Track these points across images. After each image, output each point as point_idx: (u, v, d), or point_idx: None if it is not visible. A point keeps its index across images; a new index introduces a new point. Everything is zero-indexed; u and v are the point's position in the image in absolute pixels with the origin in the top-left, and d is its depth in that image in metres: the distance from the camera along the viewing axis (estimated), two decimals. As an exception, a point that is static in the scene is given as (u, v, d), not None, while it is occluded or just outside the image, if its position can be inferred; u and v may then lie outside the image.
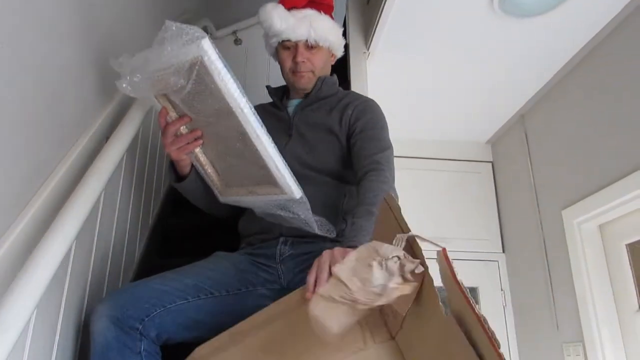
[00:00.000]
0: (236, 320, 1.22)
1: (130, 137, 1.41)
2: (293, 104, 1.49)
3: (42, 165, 1.19)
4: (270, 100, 1.55)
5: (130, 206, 1.66)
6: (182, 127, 1.19)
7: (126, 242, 1.62)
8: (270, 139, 1.06)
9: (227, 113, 1.03)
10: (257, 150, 1.06)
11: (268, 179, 1.12)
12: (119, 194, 1.54)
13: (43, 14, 1.16)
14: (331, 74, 1.54)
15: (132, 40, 1.78)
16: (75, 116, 1.35)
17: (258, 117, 1.04)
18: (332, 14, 1.51)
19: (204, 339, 1.15)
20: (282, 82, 1.56)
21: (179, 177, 1.35)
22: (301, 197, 1.10)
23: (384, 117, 1.42)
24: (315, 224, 1.13)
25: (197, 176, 1.34)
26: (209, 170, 1.29)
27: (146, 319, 1.06)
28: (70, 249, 1.08)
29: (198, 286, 1.17)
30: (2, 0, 0.97)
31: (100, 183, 1.18)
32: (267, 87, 1.56)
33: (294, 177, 1.10)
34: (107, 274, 1.46)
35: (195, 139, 1.19)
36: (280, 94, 1.54)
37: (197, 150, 1.24)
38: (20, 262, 0.98)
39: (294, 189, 1.10)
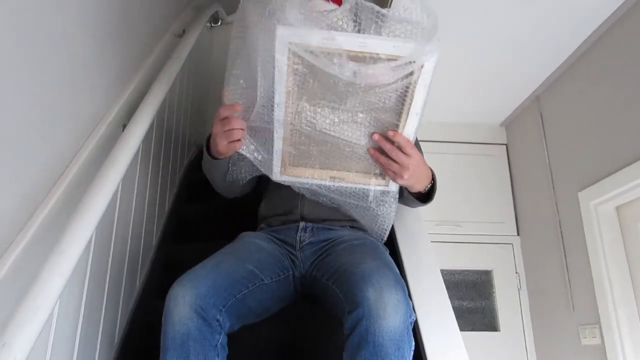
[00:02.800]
0: (278, 305, 1.23)
1: (147, 125, 1.42)
2: None
3: (61, 154, 1.21)
4: None
5: (147, 193, 1.68)
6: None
7: (144, 228, 1.65)
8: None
9: (386, 112, 0.99)
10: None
11: (371, 169, 1.11)
12: (136, 181, 1.56)
13: (61, 4, 1.17)
14: None
15: (146, 26, 1.79)
16: (93, 104, 1.37)
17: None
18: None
19: (247, 327, 1.16)
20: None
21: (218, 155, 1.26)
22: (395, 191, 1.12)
23: None
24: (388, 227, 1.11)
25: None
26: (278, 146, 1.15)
27: (223, 309, 1.02)
28: (90, 238, 1.10)
29: (254, 272, 1.14)
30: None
31: (119, 172, 1.19)
32: None
33: None
34: (127, 259, 1.49)
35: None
36: None
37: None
38: (42, 251, 1.01)
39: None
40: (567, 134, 2.58)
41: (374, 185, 1.13)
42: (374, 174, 1.12)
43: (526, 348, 2.79)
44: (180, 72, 1.89)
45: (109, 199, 1.10)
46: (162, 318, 1.00)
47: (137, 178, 1.57)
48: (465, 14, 2.23)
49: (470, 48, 2.50)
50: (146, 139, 1.57)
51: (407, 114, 0.97)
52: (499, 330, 2.85)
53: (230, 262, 1.13)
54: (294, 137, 1.09)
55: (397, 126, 1.02)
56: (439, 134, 3.25)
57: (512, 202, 3.12)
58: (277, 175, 1.17)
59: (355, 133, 1.05)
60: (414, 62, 0.88)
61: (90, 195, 1.06)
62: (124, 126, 1.48)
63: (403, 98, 0.96)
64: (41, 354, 0.99)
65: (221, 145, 1.14)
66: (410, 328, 0.94)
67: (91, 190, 1.08)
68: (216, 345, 1.00)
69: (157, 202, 1.81)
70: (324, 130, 1.06)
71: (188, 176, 2.24)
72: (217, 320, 1.01)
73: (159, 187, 1.82)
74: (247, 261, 1.15)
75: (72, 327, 1.14)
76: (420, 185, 1.19)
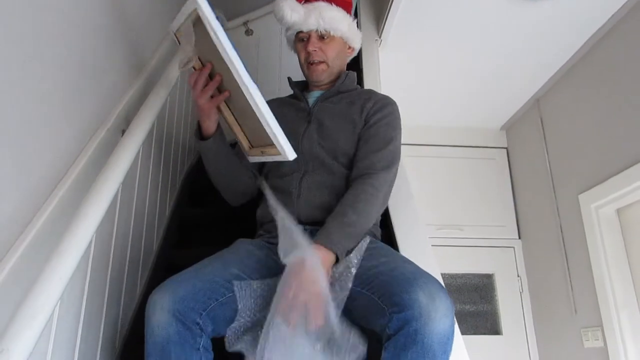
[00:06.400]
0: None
1: (147, 130, 1.42)
2: (314, 95, 1.52)
3: (61, 158, 1.21)
4: (290, 92, 1.59)
5: (147, 198, 1.68)
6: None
7: (144, 233, 1.65)
8: (260, 95, 1.13)
9: (227, 65, 1.11)
10: (251, 104, 1.13)
11: (269, 138, 1.17)
12: (136, 186, 1.56)
13: (62, 10, 1.17)
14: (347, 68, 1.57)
15: (147, 34, 1.80)
16: (93, 110, 1.37)
17: (249, 73, 1.12)
18: (351, 9, 1.52)
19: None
20: (294, 72, 1.59)
21: (204, 137, 1.37)
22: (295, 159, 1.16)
23: (398, 117, 1.44)
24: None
25: (221, 138, 1.38)
26: (236, 129, 1.34)
27: (204, 312, 1.03)
28: (90, 243, 1.10)
29: (240, 277, 1.14)
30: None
31: (118, 177, 1.19)
32: (289, 78, 1.60)
33: (287, 139, 1.17)
34: (127, 264, 1.49)
35: (222, 92, 1.25)
36: (301, 87, 1.57)
37: (223, 107, 1.30)
38: (42, 255, 1.01)
39: (287, 150, 1.15)
40: (568, 136, 2.58)
41: (279, 156, 1.21)
42: (272, 144, 1.19)
43: (529, 351, 2.79)
44: (180, 76, 1.89)
45: (108, 204, 1.10)
46: (144, 325, 1.01)
47: (137, 182, 1.57)
48: (464, 17, 2.23)
49: (469, 52, 2.50)
50: (146, 144, 1.58)
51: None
52: (502, 334, 2.84)
53: (213, 266, 1.14)
54: (235, 114, 1.31)
55: (238, 78, 1.13)
56: (439, 138, 3.26)
57: (513, 205, 3.11)
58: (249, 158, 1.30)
59: (240, 100, 1.20)
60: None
61: (89, 200, 1.07)
62: (124, 131, 1.48)
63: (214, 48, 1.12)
64: None
65: (203, 106, 1.26)
66: (454, 332, 0.95)
67: (90, 195, 1.08)
68: (198, 349, 1.01)
69: (158, 206, 1.81)
70: (237, 104, 1.26)
71: (189, 181, 2.24)
72: (197, 324, 1.01)
73: (159, 192, 1.82)
74: (233, 265, 1.16)
75: (72, 332, 1.14)
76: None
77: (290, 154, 1.16)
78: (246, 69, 1.11)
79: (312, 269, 1.03)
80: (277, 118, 1.45)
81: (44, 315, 0.83)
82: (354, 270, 1.08)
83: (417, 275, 0.99)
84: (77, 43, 1.28)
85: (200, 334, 1.02)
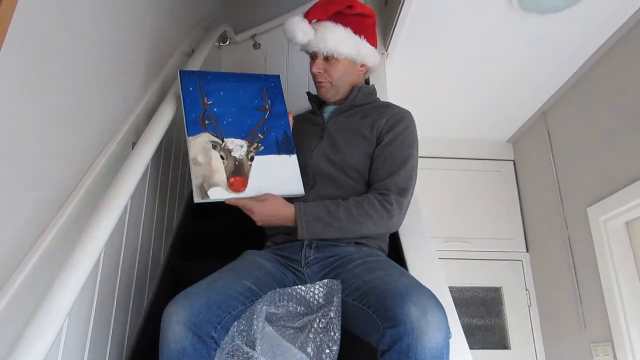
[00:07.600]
0: None
1: (157, 143, 1.43)
2: (329, 110, 1.54)
3: (73, 171, 1.22)
4: (309, 106, 1.62)
5: (156, 210, 1.69)
6: None
7: (152, 245, 1.66)
8: (189, 142, 1.35)
9: None
10: None
11: None
12: (145, 198, 1.57)
13: (73, 24, 1.19)
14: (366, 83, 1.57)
15: (155, 48, 1.82)
16: (103, 123, 1.39)
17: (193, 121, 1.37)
18: (366, 26, 1.49)
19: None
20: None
21: None
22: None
23: (413, 131, 1.43)
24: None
25: None
26: None
27: (218, 326, 1.03)
28: (99, 256, 1.11)
29: (252, 289, 1.15)
30: (34, 12, 1.00)
31: (128, 190, 1.20)
32: (308, 93, 1.62)
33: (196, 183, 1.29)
34: (135, 276, 1.49)
35: None
36: (319, 102, 1.58)
37: None
38: (52, 267, 1.01)
39: (193, 191, 1.30)
40: (575, 149, 2.57)
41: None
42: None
43: (537, 366, 2.75)
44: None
45: (117, 217, 1.11)
46: (159, 337, 1.01)
47: (145, 195, 1.58)
48: (470, 31, 2.24)
49: (476, 65, 2.51)
50: (155, 156, 1.58)
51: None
52: (510, 349, 2.81)
53: (226, 279, 1.15)
54: None
55: None
56: (446, 151, 3.25)
57: (520, 218, 3.10)
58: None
59: None
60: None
61: (99, 213, 1.07)
62: (134, 144, 1.50)
63: None
64: (49, 372, 0.98)
65: None
66: (449, 345, 0.94)
67: (100, 208, 1.09)
68: None
69: (165, 219, 1.82)
70: None
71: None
72: (212, 337, 1.02)
73: (167, 204, 1.83)
74: (245, 278, 1.16)
75: (80, 344, 1.14)
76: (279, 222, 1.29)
77: (194, 197, 1.28)
78: (191, 118, 1.39)
79: (278, 208, 1.28)
80: (296, 134, 1.47)
81: (55, 328, 0.83)
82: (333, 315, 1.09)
83: (410, 288, 0.98)
84: (88, 57, 1.30)
85: (215, 347, 1.02)
